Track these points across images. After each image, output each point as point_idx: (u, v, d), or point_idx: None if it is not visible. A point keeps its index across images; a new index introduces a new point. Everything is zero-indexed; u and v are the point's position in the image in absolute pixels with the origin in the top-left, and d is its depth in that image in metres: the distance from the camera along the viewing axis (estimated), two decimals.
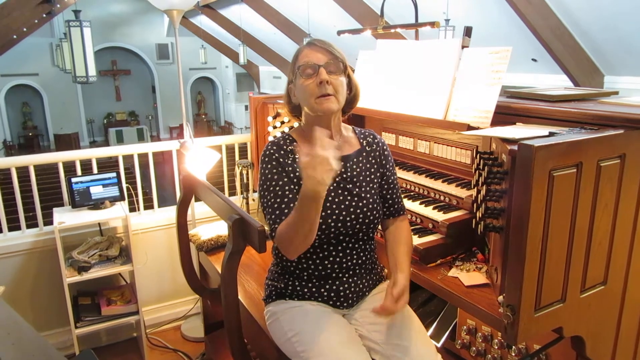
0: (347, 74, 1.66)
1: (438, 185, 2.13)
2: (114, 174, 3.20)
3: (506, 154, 1.42)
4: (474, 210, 1.75)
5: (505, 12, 5.57)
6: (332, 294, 1.69)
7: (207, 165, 3.08)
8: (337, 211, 1.63)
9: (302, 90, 1.61)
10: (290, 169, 1.63)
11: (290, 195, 1.60)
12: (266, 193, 1.62)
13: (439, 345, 2.02)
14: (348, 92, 1.68)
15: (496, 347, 1.84)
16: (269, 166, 1.64)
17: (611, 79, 5.75)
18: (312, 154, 1.30)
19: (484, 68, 1.91)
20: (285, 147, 1.67)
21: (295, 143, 1.69)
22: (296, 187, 1.61)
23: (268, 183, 1.62)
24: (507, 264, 1.36)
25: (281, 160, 1.64)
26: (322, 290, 1.69)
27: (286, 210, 1.57)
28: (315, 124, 1.63)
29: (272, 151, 1.66)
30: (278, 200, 1.59)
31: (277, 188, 1.61)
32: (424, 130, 2.37)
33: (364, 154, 1.75)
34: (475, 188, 1.74)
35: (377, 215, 1.70)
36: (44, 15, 9.06)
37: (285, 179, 1.62)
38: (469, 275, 1.72)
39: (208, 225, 2.90)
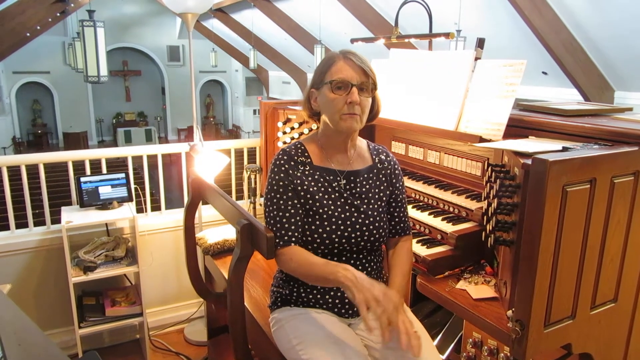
0: (374, 92, 1.64)
1: (447, 196, 2.11)
2: (123, 175, 3.20)
3: (519, 167, 1.41)
4: (484, 223, 1.74)
5: (517, 24, 5.57)
6: (337, 301, 1.68)
7: (215, 168, 3.08)
8: (342, 227, 1.62)
9: (329, 103, 1.59)
10: (298, 181, 1.64)
11: (293, 211, 1.61)
12: (269, 203, 1.64)
13: (443, 357, 2.00)
14: (370, 110, 1.65)
15: None
16: (277, 177, 1.64)
17: (621, 94, 5.74)
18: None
19: (498, 80, 1.90)
20: (296, 157, 1.67)
21: (306, 154, 1.69)
22: (301, 201, 1.63)
23: (273, 194, 1.64)
24: (517, 278, 1.35)
25: (290, 172, 1.64)
26: (327, 297, 1.68)
27: (287, 225, 1.60)
28: (334, 136, 1.65)
29: (282, 161, 1.66)
30: (280, 214, 1.61)
31: (281, 202, 1.62)
32: (435, 141, 2.36)
33: (375, 170, 1.74)
34: (486, 200, 1.73)
35: (382, 233, 1.70)
36: (58, 14, 9.16)
37: (290, 194, 1.62)
38: (477, 288, 1.70)
39: (215, 228, 2.89)
